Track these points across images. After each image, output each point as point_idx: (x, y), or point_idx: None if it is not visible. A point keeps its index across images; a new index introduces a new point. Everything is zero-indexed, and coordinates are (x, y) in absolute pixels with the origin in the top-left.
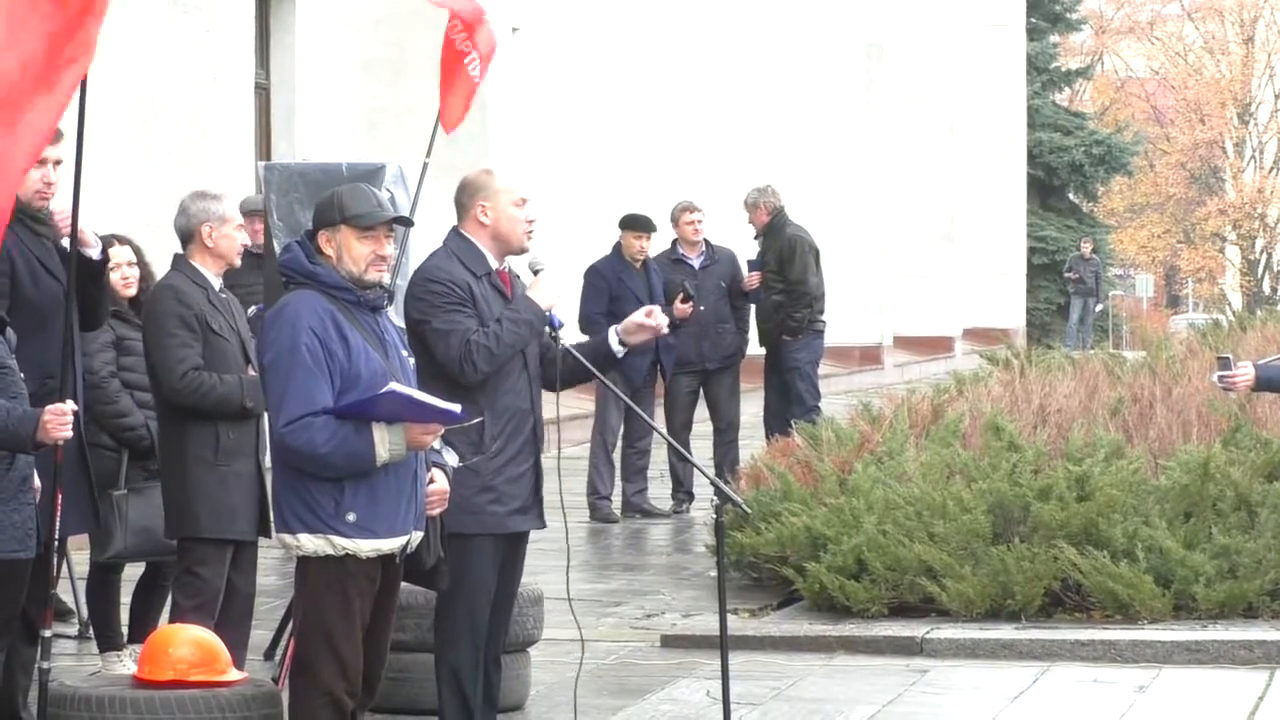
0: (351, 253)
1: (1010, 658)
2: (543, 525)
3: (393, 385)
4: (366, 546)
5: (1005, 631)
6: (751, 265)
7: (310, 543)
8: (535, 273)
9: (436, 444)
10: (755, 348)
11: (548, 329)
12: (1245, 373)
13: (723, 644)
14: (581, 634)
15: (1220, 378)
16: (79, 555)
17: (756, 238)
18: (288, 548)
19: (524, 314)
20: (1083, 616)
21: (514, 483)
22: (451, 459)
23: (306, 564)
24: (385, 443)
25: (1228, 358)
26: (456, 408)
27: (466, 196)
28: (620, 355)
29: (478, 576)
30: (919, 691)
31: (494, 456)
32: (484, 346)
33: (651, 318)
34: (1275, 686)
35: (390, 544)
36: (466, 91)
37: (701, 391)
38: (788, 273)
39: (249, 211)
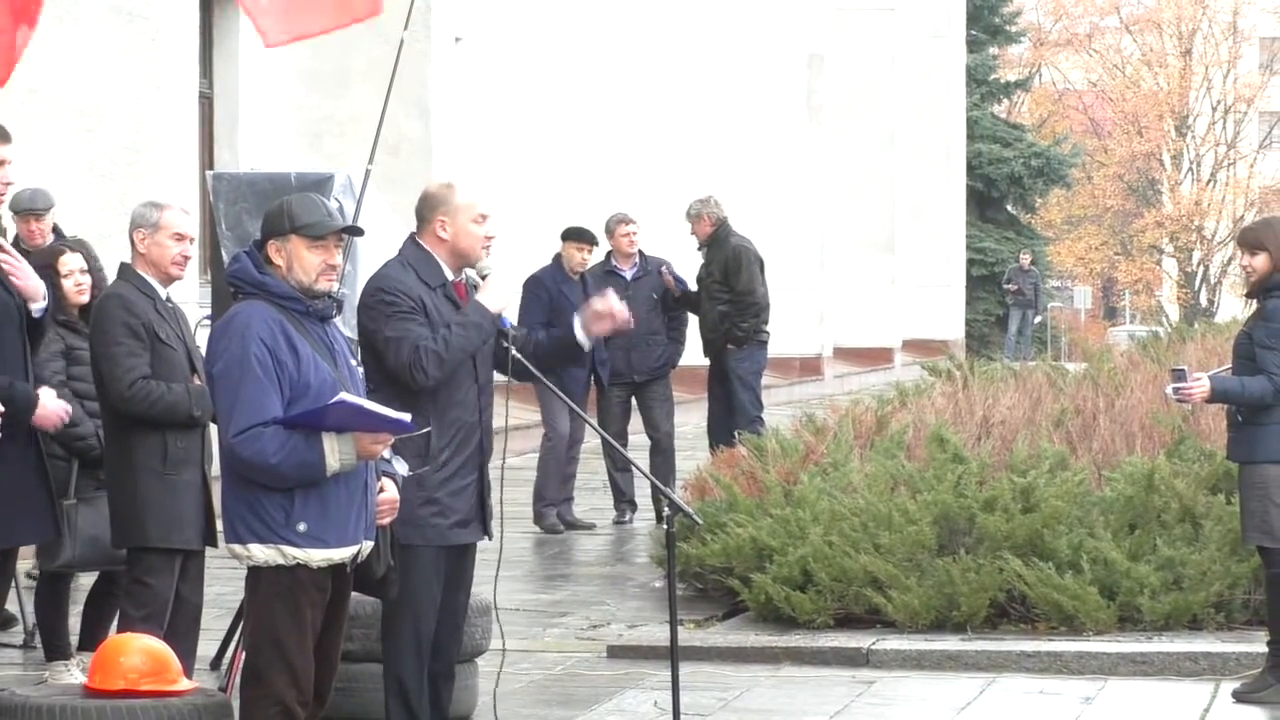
0: (302, 262)
1: (956, 669)
2: (487, 538)
3: (343, 395)
4: (318, 556)
5: (951, 643)
6: (677, 278)
7: (261, 553)
8: (482, 277)
9: (387, 453)
10: (697, 359)
11: (504, 332)
12: (1201, 385)
13: (673, 654)
14: (504, 644)
15: (1176, 389)
16: (26, 564)
17: (700, 249)
18: (238, 558)
19: (473, 318)
20: (1028, 628)
21: (457, 495)
22: (402, 468)
23: (257, 574)
24: (336, 452)
25: (1183, 370)
26: (406, 417)
27: (427, 209)
28: (587, 347)
29: (421, 588)
30: (865, 703)
31: (440, 468)
32: (434, 352)
33: (607, 305)
34: (1220, 699)
35: (341, 553)
36: None
37: (635, 403)
38: (733, 283)
39: (23, 211)
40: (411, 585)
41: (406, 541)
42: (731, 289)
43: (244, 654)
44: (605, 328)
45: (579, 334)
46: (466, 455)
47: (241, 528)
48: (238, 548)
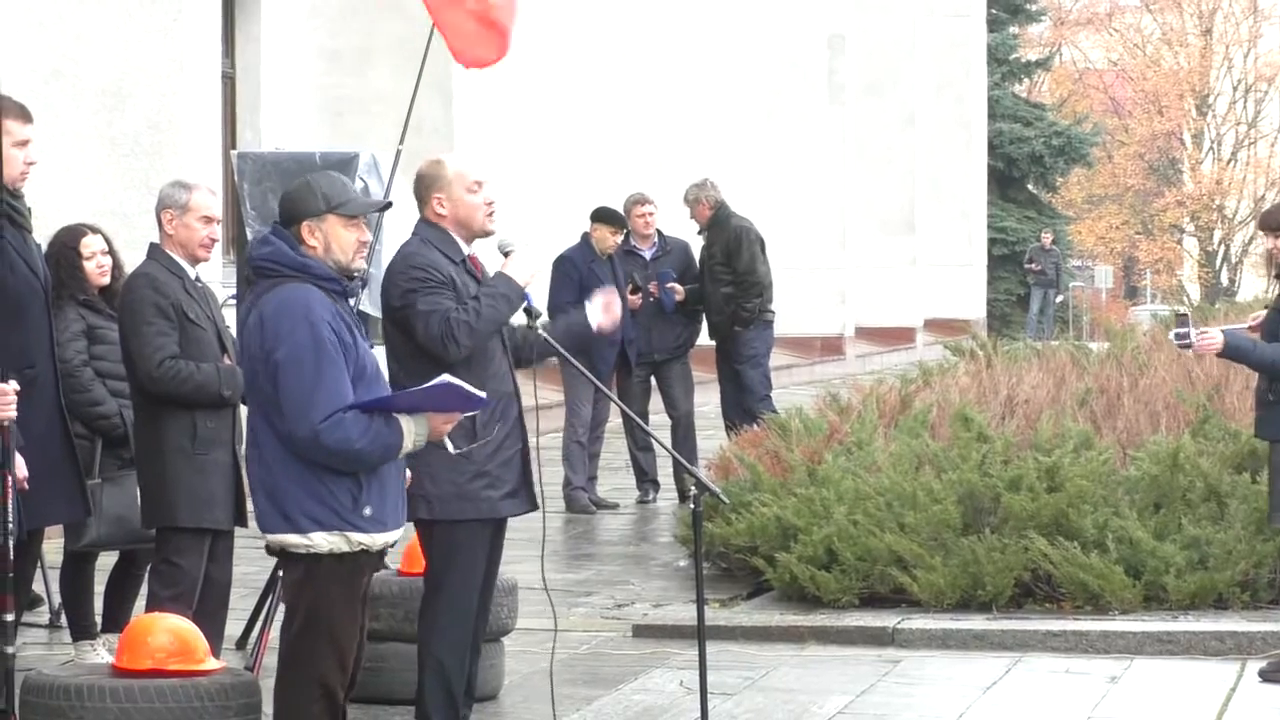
0: (339, 241)
1: (982, 648)
2: (535, 508)
3: (447, 377)
4: (380, 539)
5: (976, 622)
6: (662, 278)
7: (325, 541)
8: (506, 254)
9: None
10: (706, 339)
11: (529, 310)
12: (1213, 338)
13: (700, 634)
14: (556, 623)
15: (1177, 335)
16: (50, 544)
17: (700, 233)
18: (292, 548)
19: (501, 289)
20: (1053, 607)
21: (506, 466)
22: (448, 446)
23: (316, 561)
24: (412, 434)
25: (1186, 315)
26: (483, 394)
27: (422, 189)
28: (595, 330)
29: (469, 564)
30: (892, 682)
31: (487, 442)
32: (464, 322)
33: (610, 311)
34: (1247, 678)
35: (396, 535)
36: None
37: (654, 383)
38: (735, 264)
39: None
40: (459, 561)
41: (460, 517)
42: (733, 270)
43: (274, 635)
44: (610, 319)
45: (592, 319)
46: (510, 426)
47: (300, 516)
48: (295, 538)
